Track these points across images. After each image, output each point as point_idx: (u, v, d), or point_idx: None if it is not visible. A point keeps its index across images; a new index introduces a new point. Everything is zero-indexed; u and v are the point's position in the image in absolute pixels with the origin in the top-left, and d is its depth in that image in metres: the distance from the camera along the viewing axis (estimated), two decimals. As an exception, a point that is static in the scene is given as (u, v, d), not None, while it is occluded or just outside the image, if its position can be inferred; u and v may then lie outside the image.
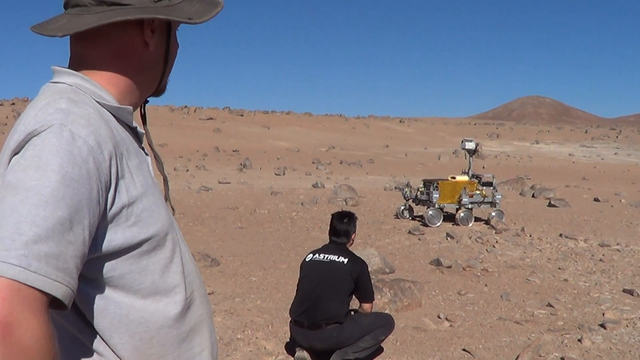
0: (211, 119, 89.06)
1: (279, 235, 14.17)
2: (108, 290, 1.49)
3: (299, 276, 6.40)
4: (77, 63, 1.61)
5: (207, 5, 1.66)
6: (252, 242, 13.22)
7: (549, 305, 8.70)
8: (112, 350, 1.52)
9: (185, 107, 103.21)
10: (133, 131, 1.66)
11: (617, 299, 9.11)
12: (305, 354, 6.20)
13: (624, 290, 9.57)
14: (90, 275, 1.45)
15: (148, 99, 1.81)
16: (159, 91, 1.80)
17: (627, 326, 7.73)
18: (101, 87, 1.58)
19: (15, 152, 1.38)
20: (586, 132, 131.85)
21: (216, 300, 8.44)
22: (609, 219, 18.05)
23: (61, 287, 1.26)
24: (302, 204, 19.76)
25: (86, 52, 1.60)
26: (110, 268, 1.47)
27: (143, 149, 1.70)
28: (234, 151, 55.37)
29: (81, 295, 1.45)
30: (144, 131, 1.71)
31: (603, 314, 8.27)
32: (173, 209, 1.80)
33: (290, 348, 6.54)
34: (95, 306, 1.49)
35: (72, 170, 1.33)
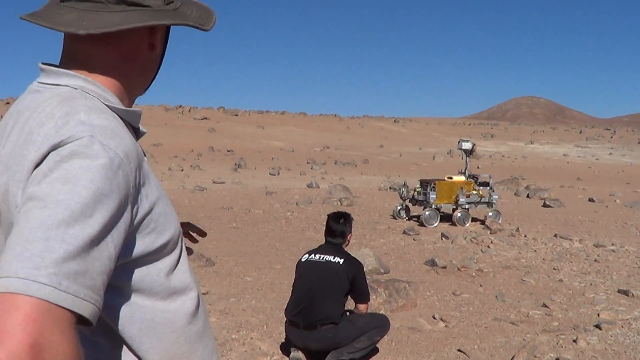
0: (206, 118, 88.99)
1: (274, 236, 14.16)
2: (131, 296, 1.48)
3: (294, 276, 6.40)
4: (76, 61, 1.56)
5: (204, 12, 1.66)
6: (246, 242, 13.20)
7: (544, 305, 8.70)
8: (142, 358, 1.51)
9: (180, 106, 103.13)
10: (134, 131, 1.63)
11: (612, 300, 9.12)
12: (300, 354, 6.19)
13: (619, 291, 9.58)
14: (113, 283, 1.42)
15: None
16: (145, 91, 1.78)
17: (622, 327, 7.73)
18: (105, 88, 1.54)
19: (37, 164, 1.33)
20: (580, 132, 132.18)
21: (211, 301, 8.42)
22: (603, 219, 18.08)
23: (89, 306, 1.23)
24: (296, 204, 19.75)
25: (92, 52, 1.55)
26: (131, 274, 1.46)
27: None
28: (228, 151, 55.32)
29: (107, 304, 1.42)
30: (145, 130, 1.70)
31: (598, 315, 8.27)
32: None
33: (286, 348, 6.53)
34: (122, 314, 1.47)
35: (103, 185, 1.29)
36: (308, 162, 46.50)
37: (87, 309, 1.22)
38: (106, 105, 1.50)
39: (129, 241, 1.41)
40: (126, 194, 1.35)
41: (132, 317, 1.48)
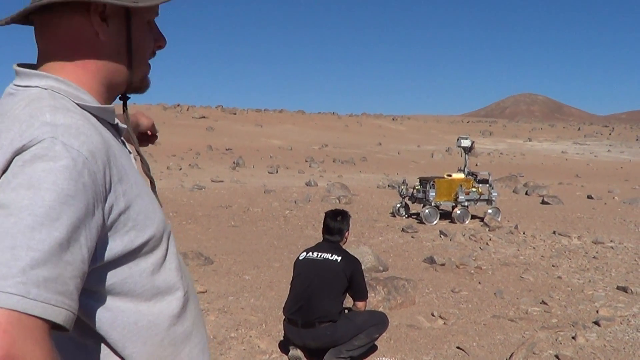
0: (204, 117, 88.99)
1: (273, 234, 14.15)
2: (112, 300, 1.45)
3: (292, 274, 6.40)
4: (41, 58, 1.53)
5: None
6: (245, 240, 13.19)
7: (543, 302, 8.70)
8: None
9: (178, 105, 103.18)
10: (114, 128, 1.58)
11: (610, 296, 9.12)
12: (299, 352, 6.19)
13: (618, 288, 9.58)
14: (93, 287, 1.41)
15: (129, 95, 1.73)
16: (137, 87, 1.69)
17: (621, 323, 7.73)
18: (77, 86, 1.50)
19: (2, 171, 1.29)
20: (579, 129, 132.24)
21: (209, 299, 8.42)
22: (602, 216, 18.08)
23: (62, 312, 1.21)
24: (295, 202, 19.74)
25: (44, 46, 1.53)
26: (111, 276, 1.43)
27: (124, 143, 1.63)
28: (227, 149, 55.29)
29: (87, 309, 1.42)
30: (125, 126, 1.64)
31: (597, 311, 8.27)
32: (161, 205, 1.71)
33: (284, 346, 6.53)
34: (103, 319, 1.45)
35: (67, 185, 1.26)
36: (306, 161, 46.49)
37: (59, 316, 1.20)
38: (77, 103, 1.46)
39: (105, 241, 1.38)
40: (94, 193, 1.31)
41: (114, 322, 1.46)
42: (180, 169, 34.79)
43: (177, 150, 50.71)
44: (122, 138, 1.63)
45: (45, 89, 1.46)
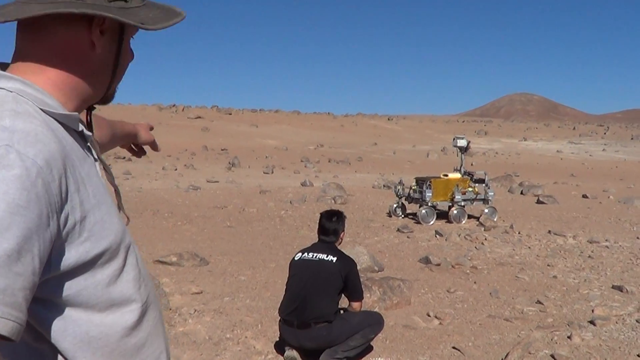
0: (199, 117, 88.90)
1: (268, 234, 14.15)
2: (65, 310, 1.43)
3: (288, 275, 6.40)
4: (20, 57, 1.52)
5: (166, 14, 1.60)
6: (241, 241, 13.19)
7: (539, 302, 8.72)
8: None
9: (174, 105, 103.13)
10: (79, 134, 1.56)
11: (606, 296, 9.13)
12: (294, 353, 6.19)
13: (613, 287, 9.60)
14: (46, 296, 1.39)
15: (95, 105, 1.72)
16: (106, 98, 1.69)
17: (616, 322, 7.74)
18: (44, 91, 1.48)
19: None
20: (574, 128, 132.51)
21: (205, 300, 8.42)
22: (597, 216, 18.09)
23: (8, 324, 1.19)
24: (290, 202, 19.73)
25: (29, 47, 1.51)
26: (65, 287, 1.41)
27: (90, 150, 1.60)
28: (222, 150, 55.25)
29: (38, 318, 1.40)
30: (90, 133, 1.63)
31: (592, 311, 8.29)
32: (128, 218, 1.72)
33: (280, 347, 6.53)
34: (54, 328, 1.43)
35: (19, 195, 1.24)
36: (302, 161, 46.47)
37: (5, 328, 1.19)
38: (41, 108, 1.44)
39: (60, 251, 1.36)
40: (48, 203, 1.29)
41: (65, 331, 1.44)
42: (176, 170, 34.75)
43: (172, 151, 50.66)
44: (90, 144, 1.61)
45: (11, 91, 1.44)
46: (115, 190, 1.70)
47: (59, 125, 1.47)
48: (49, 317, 1.42)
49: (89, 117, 1.74)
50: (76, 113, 1.53)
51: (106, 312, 1.49)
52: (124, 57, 1.64)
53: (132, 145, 2.60)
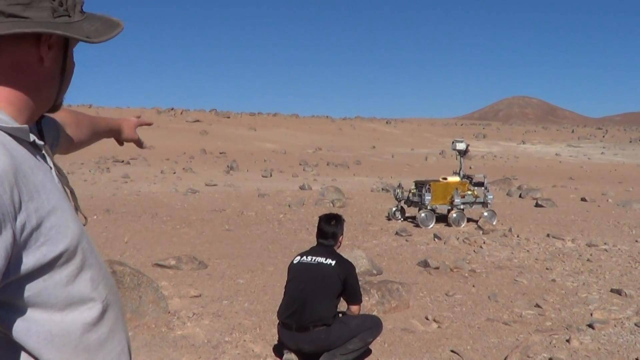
0: (198, 121, 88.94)
1: (267, 238, 14.15)
2: (27, 311, 1.48)
3: (286, 278, 6.40)
4: None
5: (107, 26, 1.68)
6: (239, 244, 13.19)
7: (537, 305, 8.72)
8: None
9: (172, 109, 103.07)
10: (32, 144, 1.62)
11: (605, 299, 9.14)
12: (293, 356, 6.19)
13: (612, 290, 9.60)
14: (6, 300, 1.44)
15: (44, 114, 1.80)
16: (55, 107, 1.77)
17: (615, 326, 7.74)
18: None
19: None
20: (573, 131, 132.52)
21: (204, 303, 8.42)
22: (596, 219, 18.11)
23: None
24: (289, 205, 19.74)
25: None
26: (25, 289, 1.46)
27: (44, 157, 1.67)
28: (220, 153, 55.26)
29: (2, 320, 1.45)
30: (43, 142, 1.68)
31: (591, 314, 8.29)
32: (85, 218, 1.78)
33: (278, 350, 6.53)
34: (18, 329, 1.48)
35: None
36: (300, 164, 46.47)
37: None
38: None
39: (18, 257, 1.41)
40: (1, 214, 1.34)
41: (28, 331, 1.49)
42: (174, 173, 34.75)
43: (171, 154, 50.67)
44: (44, 152, 1.67)
45: None
46: (70, 192, 1.76)
47: (11, 139, 1.51)
48: (12, 318, 1.47)
49: (39, 125, 1.81)
50: (26, 125, 1.58)
51: (66, 310, 1.55)
52: (69, 68, 1.72)
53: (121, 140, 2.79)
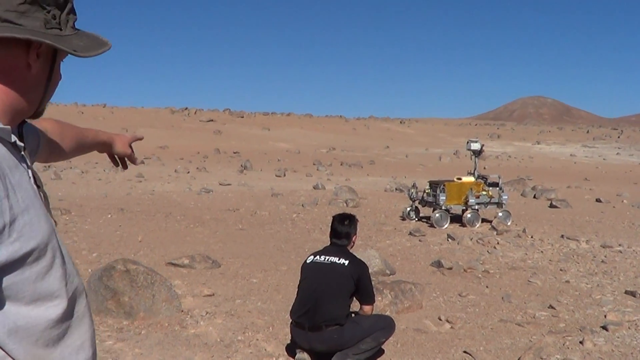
0: (212, 120, 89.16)
1: (280, 237, 14.17)
2: None
3: (299, 278, 6.42)
4: None
5: (95, 43, 1.76)
6: (252, 243, 13.21)
7: (551, 307, 8.69)
8: (9, 355, 1.61)
9: (186, 109, 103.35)
10: (12, 145, 1.69)
11: (619, 301, 9.10)
12: (305, 355, 6.20)
13: (626, 292, 9.56)
14: None
15: (26, 120, 1.89)
16: (37, 114, 1.85)
17: (629, 328, 7.72)
18: None
19: None
20: (588, 132, 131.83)
21: (217, 302, 8.44)
22: (611, 220, 18.04)
23: None
24: (302, 205, 19.75)
25: None
26: None
27: (24, 158, 1.75)
28: (234, 153, 55.39)
29: None
30: (23, 144, 1.75)
31: (605, 316, 8.25)
32: (55, 221, 1.84)
33: (291, 350, 6.55)
34: None
35: None
36: (314, 164, 46.50)
37: None
38: None
39: None
40: None
41: None
42: (188, 172, 34.82)
43: (184, 154, 50.82)
44: (23, 153, 1.76)
45: None
46: (43, 195, 1.84)
47: None
48: None
49: (20, 129, 1.88)
50: (8, 126, 1.67)
51: (32, 305, 1.63)
52: (54, 78, 1.81)
53: (113, 155, 2.86)
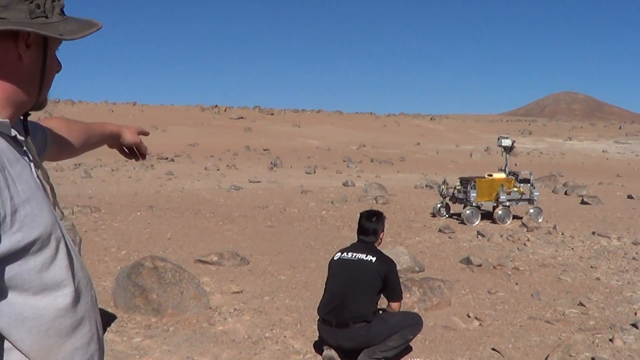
0: (242, 118, 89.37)
1: (309, 234, 14.20)
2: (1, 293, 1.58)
3: (327, 275, 6.43)
4: None
5: (84, 26, 1.77)
6: (281, 241, 13.25)
7: (581, 304, 8.62)
8: (14, 346, 1.63)
9: (216, 106, 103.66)
10: (13, 139, 1.72)
11: (650, 298, 9.01)
12: (333, 352, 6.21)
13: (658, 289, 9.47)
14: None
15: (30, 112, 1.90)
16: (39, 105, 1.87)
17: (660, 325, 7.63)
18: None
19: None
20: (620, 128, 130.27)
21: (245, 299, 8.48)
22: (643, 217, 17.83)
23: None
24: (332, 202, 19.77)
25: None
26: (0, 272, 1.55)
27: (27, 153, 1.78)
28: (264, 150, 55.55)
29: None
30: (23, 137, 1.79)
31: (635, 314, 8.17)
32: (62, 213, 1.88)
33: (318, 347, 6.56)
34: None
35: None
36: (344, 161, 46.51)
37: None
38: None
39: None
40: None
41: (0, 312, 1.58)
42: (218, 170, 35.00)
43: (215, 151, 51.05)
44: (25, 147, 1.79)
45: None
46: (50, 188, 1.86)
47: None
48: None
49: (25, 122, 1.91)
50: (7, 120, 1.70)
51: (40, 295, 1.65)
52: (50, 67, 1.82)
53: (123, 148, 2.84)
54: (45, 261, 1.64)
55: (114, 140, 2.77)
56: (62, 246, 1.72)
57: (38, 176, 1.78)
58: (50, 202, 1.76)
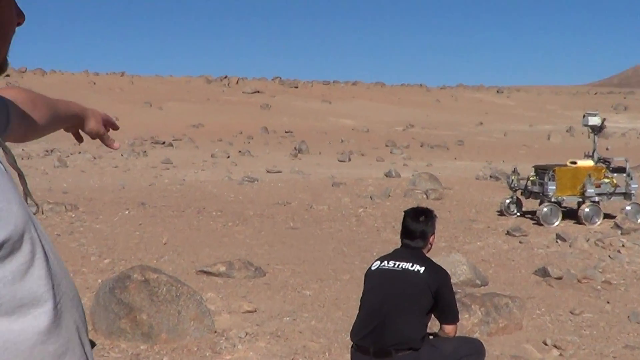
0: (258, 92, 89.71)
1: (341, 238, 14.20)
2: None
3: (363, 289, 6.38)
4: None
5: None
6: (306, 246, 13.26)
7: (691, 328, 8.53)
8: None
9: (226, 77, 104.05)
10: None
11: None
12: (370, 389, 6.16)
13: None
14: None
15: None
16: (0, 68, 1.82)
17: None
18: None
19: None
20: None
21: (259, 320, 8.46)
22: None
23: None
24: (371, 197, 19.79)
25: None
26: None
27: None
28: (286, 132, 55.77)
29: None
30: None
31: None
32: (37, 205, 1.83)
33: (352, 381, 6.52)
34: None
35: None
36: (387, 145, 46.56)
37: None
38: None
39: None
40: None
41: None
42: (228, 157, 35.17)
43: (224, 134, 51.28)
44: None
45: None
46: (18, 174, 1.81)
47: None
48: None
49: None
50: None
51: (14, 315, 1.54)
52: (7, 16, 1.75)
53: (79, 131, 2.82)
54: (19, 269, 1.55)
55: (75, 124, 2.74)
56: (38, 249, 1.63)
57: (0, 161, 1.71)
58: (19, 193, 1.67)
